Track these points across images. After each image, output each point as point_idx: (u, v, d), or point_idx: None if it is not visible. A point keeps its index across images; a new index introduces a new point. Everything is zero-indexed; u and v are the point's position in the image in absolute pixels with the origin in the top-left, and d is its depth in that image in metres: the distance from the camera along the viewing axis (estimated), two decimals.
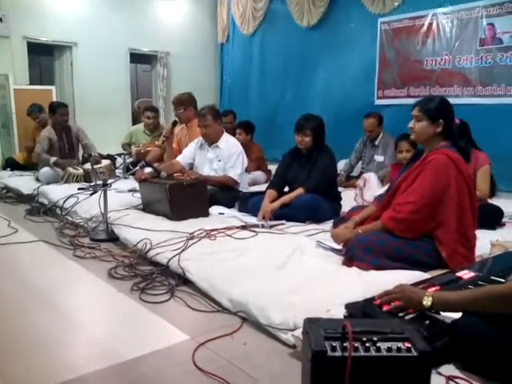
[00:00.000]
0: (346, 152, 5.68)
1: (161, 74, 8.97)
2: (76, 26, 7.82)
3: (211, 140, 4.12)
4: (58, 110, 5.40)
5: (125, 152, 6.15)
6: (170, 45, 8.91)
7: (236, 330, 1.95)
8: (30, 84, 7.55)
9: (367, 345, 1.25)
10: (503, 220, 3.51)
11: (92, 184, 4.69)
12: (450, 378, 1.50)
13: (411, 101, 2.64)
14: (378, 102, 6.67)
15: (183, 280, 2.47)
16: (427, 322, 1.61)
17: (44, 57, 8.60)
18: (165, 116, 8.99)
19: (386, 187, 3.84)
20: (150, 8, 8.69)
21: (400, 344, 1.27)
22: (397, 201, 2.49)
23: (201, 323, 2.06)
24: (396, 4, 6.37)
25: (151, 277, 2.52)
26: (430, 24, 6.02)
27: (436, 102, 2.46)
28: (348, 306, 1.79)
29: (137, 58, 9.07)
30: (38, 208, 4.30)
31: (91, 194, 3.60)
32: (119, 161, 6.12)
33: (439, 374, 1.52)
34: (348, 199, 4.11)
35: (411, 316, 1.65)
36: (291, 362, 1.69)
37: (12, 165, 6.38)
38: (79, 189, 4.41)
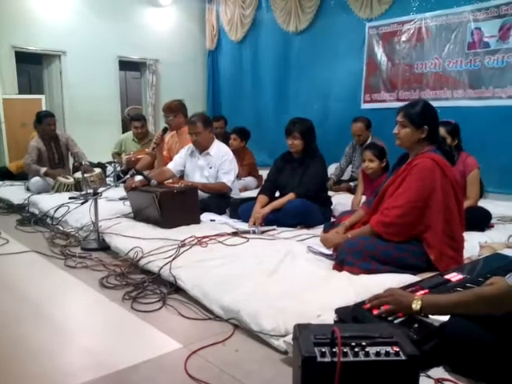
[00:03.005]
0: (335, 156, 5.72)
1: (150, 81, 8.98)
2: (64, 35, 7.81)
3: (202, 147, 4.13)
4: (45, 119, 5.37)
5: (115, 160, 6.14)
6: (159, 52, 8.93)
7: (228, 337, 1.96)
8: (19, 93, 7.53)
9: (356, 350, 1.27)
10: (492, 222, 3.55)
11: (83, 193, 4.68)
12: (438, 380, 1.52)
13: (400, 104, 2.66)
14: (364, 106, 6.73)
15: (175, 288, 2.48)
16: (416, 325, 1.63)
17: (33, 66, 8.58)
18: (154, 123, 8.99)
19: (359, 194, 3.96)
20: (139, 15, 8.71)
21: (389, 348, 1.29)
22: (384, 205, 2.52)
23: (193, 331, 2.07)
24: (384, 9, 6.44)
25: (143, 285, 2.52)
26: (419, 28, 6.10)
27: (420, 107, 2.49)
28: (338, 311, 1.81)
29: (126, 65, 9.08)
30: (28, 218, 4.27)
31: (82, 203, 3.59)
32: (110, 169, 6.12)
33: (428, 376, 1.54)
34: (339, 203, 4.13)
35: (400, 320, 1.67)
36: (283, 368, 1.70)
37: (5, 175, 6.33)
38: (70, 198, 4.41)
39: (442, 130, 3.31)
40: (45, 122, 5.36)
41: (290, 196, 3.59)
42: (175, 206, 3.47)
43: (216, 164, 4.09)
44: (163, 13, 9.02)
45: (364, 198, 3.92)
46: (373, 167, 3.78)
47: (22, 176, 5.94)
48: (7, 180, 6.15)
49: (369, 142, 5.31)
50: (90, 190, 3.51)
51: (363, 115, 5.48)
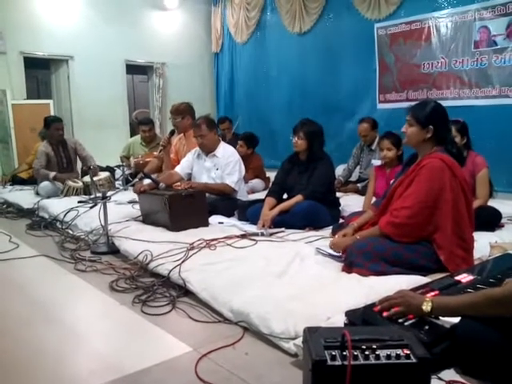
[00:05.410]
0: (346, 157, 5.70)
1: (157, 84, 9.02)
2: (72, 40, 7.88)
3: (208, 149, 4.14)
4: (53, 124, 5.41)
5: (123, 164, 6.17)
6: (165, 55, 8.98)
7: (238, 340, 1.96)
8: (28, 98, 7.59)
9: (366, 353, 1.27)
10: (502, 221, 3.52)
11: (92, 197, 4.70)
12: (450, 382, 1.51)
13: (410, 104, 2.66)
14: (380, 106, 6.72)
15: (184, 291, 2.48)
16: (427, 327, 1.62)
17: (41, 71, 8.64)
18: (160, 126, 9.02)
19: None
20: (145, 19, 8.75)
21: (399, 351, 1.29)
22: (393, 206, 2.51)
23: (202, 334, 2.07)
24: (391, 9, 6.42)
25: (152, 289, 2.53)
26: (426, 28, 6.08)
27: (429, 108, 2.49)
28: (348, 314, 1.80)
29: (133, 69, 9.13)
30: (38, 222, 4.30)
31: (91, 207, 3.61)
32: (118, 172, 6.14)
33: (439, 379, 1.53)
34: (347, 204, 4.12)
35: (411, 322, 1.66)
36: (293, 371, 1.70)
37: (18, 182, 6.35)
38: (79, 202, 4.42)
39: (452, 129, 3.29)
40: (53, 126, 5.40)
41: (298, 198, 3.59)
42: (184, 208, 3.48)
43: (222, 165, 4.10)
44: (169, 16, 9.06)
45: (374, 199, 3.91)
46: (390, 156, 3.84)
47: (32, 181, 5.97)
48: (17, 185, 6.18)
49: (376, 142, 5.29)
50: (99, 194, 3.53)
51: (378, 115, 5.46)
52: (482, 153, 3.63)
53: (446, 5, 5.86)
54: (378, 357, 1.27)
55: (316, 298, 2.11)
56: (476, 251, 2.60)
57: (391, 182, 3.63)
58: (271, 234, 3.35)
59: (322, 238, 3.22)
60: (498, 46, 5.38)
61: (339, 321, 1.82)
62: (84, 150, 5.69)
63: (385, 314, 1.70)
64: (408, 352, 1.29)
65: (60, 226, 4.06)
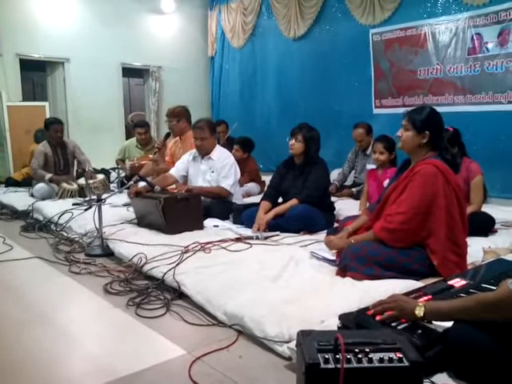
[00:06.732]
0: (341, 162, 5.72)
1: (153, 87, 9.03)
2: (68, 42, 7.88)
3: (205, 152, 4.15)
4: (52, 126, 5.41)
5: (119, 166, 6.17)
6: (161, 59, 8.99)
7: (232, 343, 1.96)
8: (23, 100, 7.58)
9: (359, 356, 1.28)
10: (495, 227, 3.54)
11: (86, 199, 4.70)
12: None
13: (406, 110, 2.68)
14: (376, 111, 6.75)
15: (179, 294, 2.48)
16: (420, 331, 1.62)
17: (37, 73, 8.63)
18: (157, 129, 9.02)
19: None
20: (142, 23, 8.77)
21: (392, 354, 1.30)
22: (387, 211, 2.52)
23: (197, 337, 2.07)
24: (386, 15, 6.46)
25: (147, 291, 2.53)
26: (421, 34, 6.12)
27: (425, 113, 2.51)
28: (342, 317, 1.81)
29: (129, 72, 9.13)
30: (32, 224, 4.29)
31: (86, 210, 3.61)
32: (114, 175, 6.14)
33: (432, 382, 1.53)
34: (341, 209, 4.14)
35: (404, 325, 1.67)
36: (287, 375, 1.70)
37: (12, 184, 6.33)
38: (74, 204, 4.43)
39: None
40: (52, 128, 5.40)
41: (293, 202, 3.60)
42: (179, 212, 3.48)
43: (218, 168, 4.11)
44: (166, 20, 9.08)
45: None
46: (382, 160, 3.93)
47: (26, 183, 5.96)
48: (12, 186, 6.16)
49: (371, 147, 5.31)
50: (94, 197, 3.53)
51: (374, 120, 5.47)
52: (476, 159, 3.65)
53: (440, 11, 5.91)
54: (370, 360, 1.28)
55: (310, 302, 2.12)
56: (469, 256, 2.62)
57: (384, 182, 3.68)
58: (266, 238, 3.35)
59: (317, 241, 3.23)
60: (490, 53, 5.44)
61: (333, 324, 1.82)
62: (82, 154, 5.68)
63: (378, 317, 1.71)
64: (401, 355, 1.30)
65: (54, 228, 4.06)
